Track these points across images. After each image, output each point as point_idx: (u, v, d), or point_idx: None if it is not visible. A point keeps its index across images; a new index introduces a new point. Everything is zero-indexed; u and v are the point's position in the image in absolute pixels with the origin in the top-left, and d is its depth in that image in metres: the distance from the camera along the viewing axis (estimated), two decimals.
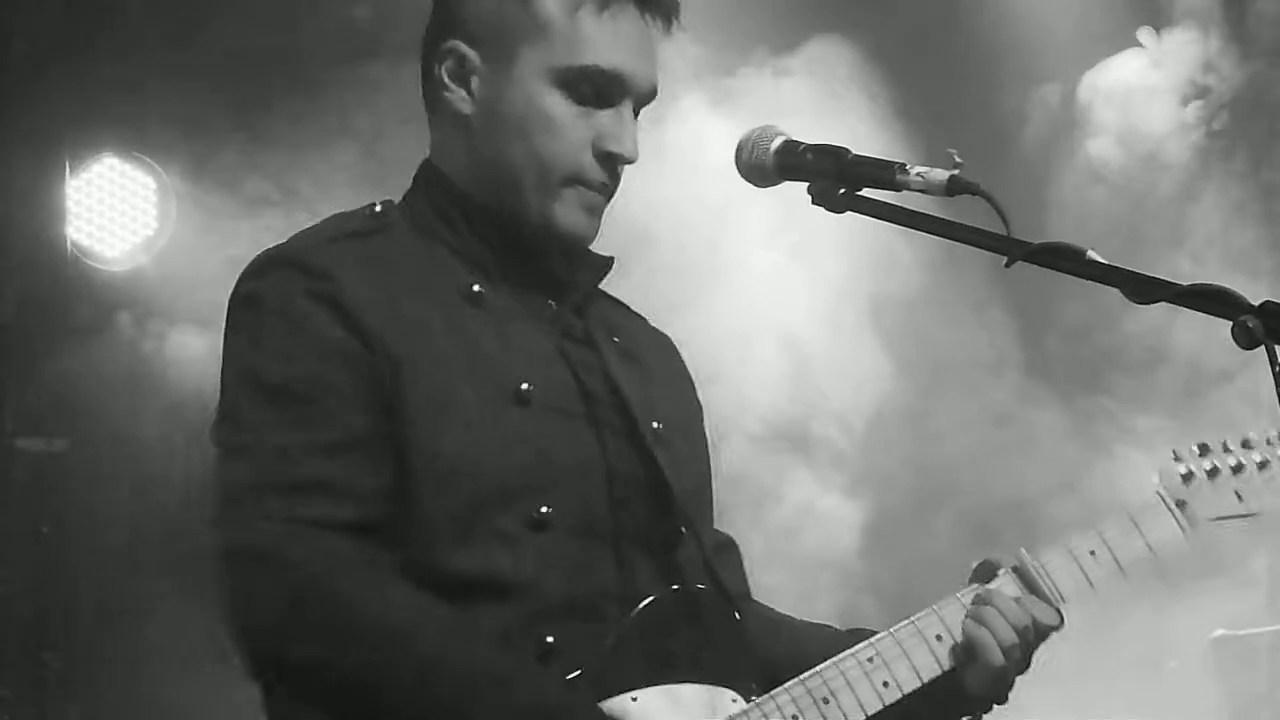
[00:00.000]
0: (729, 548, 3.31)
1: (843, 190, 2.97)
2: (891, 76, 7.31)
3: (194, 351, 6.86)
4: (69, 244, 6.91)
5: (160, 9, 6.87)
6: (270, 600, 2.82)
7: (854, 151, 2.99)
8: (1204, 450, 3.60)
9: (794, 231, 7.00)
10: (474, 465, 2.93)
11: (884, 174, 2.94)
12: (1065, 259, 2.81)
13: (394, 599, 2.84)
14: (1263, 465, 3.65)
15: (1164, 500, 3.51)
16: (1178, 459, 3.58)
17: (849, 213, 2.97)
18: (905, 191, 2.92)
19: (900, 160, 2.94)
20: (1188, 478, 3.55)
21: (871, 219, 2.96)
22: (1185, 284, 2.74)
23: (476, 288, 3.05)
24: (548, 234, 3.08)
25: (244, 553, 2.84)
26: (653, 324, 3.38)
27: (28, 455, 6.83)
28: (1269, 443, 3.67)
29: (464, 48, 3.09)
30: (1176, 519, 3.50)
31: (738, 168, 3.09)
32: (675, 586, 3.03)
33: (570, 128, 3.05)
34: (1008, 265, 2.85)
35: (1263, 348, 2.60)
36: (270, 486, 2.86)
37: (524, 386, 2.99)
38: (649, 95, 3.12)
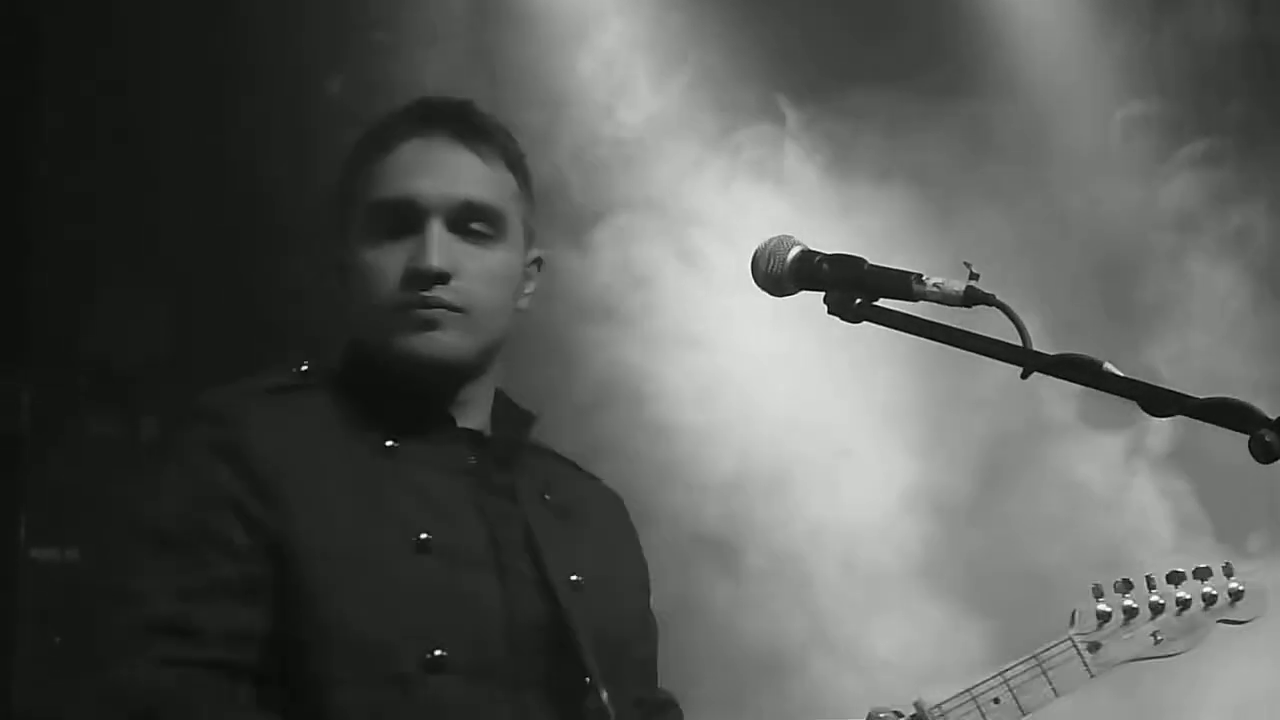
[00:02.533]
0: (667, 708, 3.38)
1: (859, 300, 2.97)
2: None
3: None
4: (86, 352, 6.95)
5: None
6: None
7: (870, 262, 3.00)
8: (1126, 586, 3.60)
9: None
10: (366, 611, 2.99)
11: (900, 284, 2.95)
12: (1081, 371, 2.81)
13: None
14: (1183, 604, 3.64)
15: (1074, 644, 3.53)
16: (1099, 596, 3.59)
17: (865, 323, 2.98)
18: (921, 302, 2.93)
19: (916, 270, 2.95)
20: (1104, 618, 3.55)
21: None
22: (1201, 398, 2.73)
23: (390, 443, 3.13)
24: (397, 364, 3.15)
25: (105, 692, 2.94)
26: (605, 483, 3.46)
27: (41, 565, 6.82)
28: (1195, 577, 3.67)
29: (336, 247, 3.28)
30: (1085, 663, 3.52)
31: (754, 277, 3.11)
32: None
33: (377, 264, 3.16)
34: (1024, 377, 2.85)
35: None
36: (130, 628, 2.96)
37: (423, 536, 3.06)
38: (461, 205, 3.19)
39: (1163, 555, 6.75)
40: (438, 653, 2.99)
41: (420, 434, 3.16)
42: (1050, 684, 3.52)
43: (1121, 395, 2.77)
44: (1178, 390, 2.73)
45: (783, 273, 3.07)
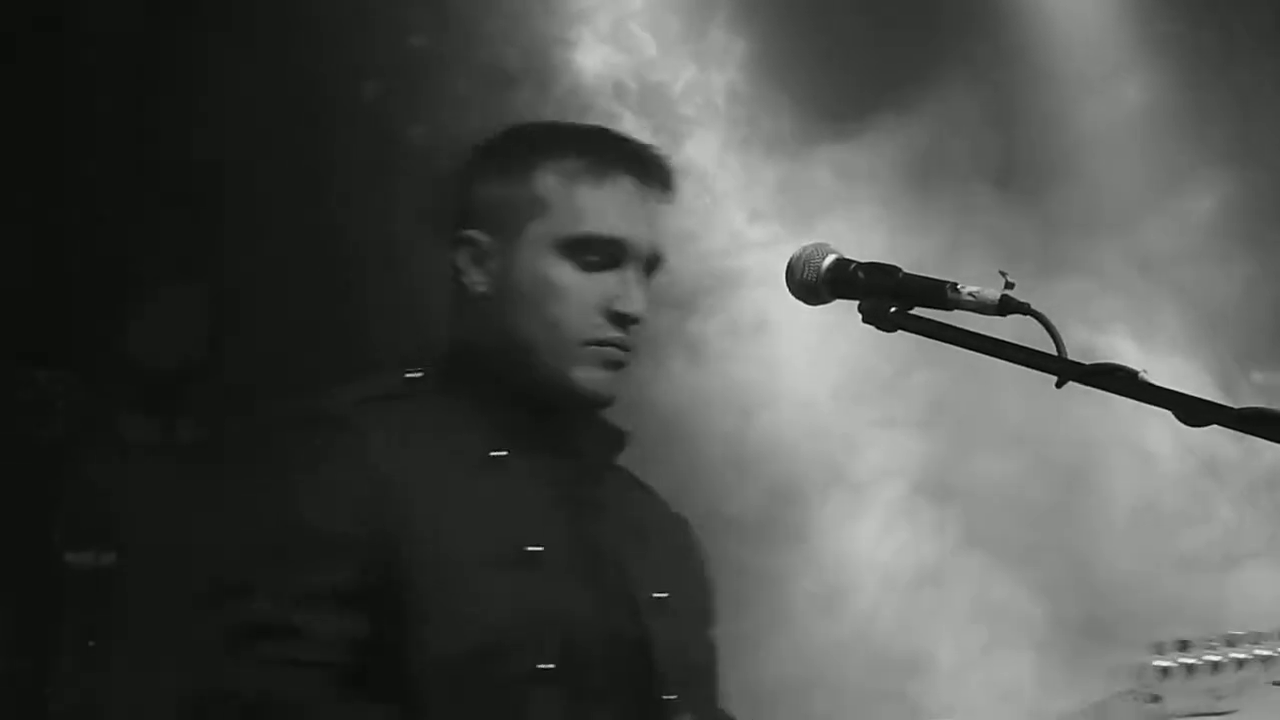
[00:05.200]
0: None
1: (894, 309, 2.97)
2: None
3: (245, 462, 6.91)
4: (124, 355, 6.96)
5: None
6: None
7: (905, 270, 2.99)
8: (1184, 645, 3.70)
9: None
10: (474, 622, 3.03)
11: (935, 293, 2.94)
12: (1117, 380, 2.80)
13: None
14: (1241, 664, 3.74)
15: (1136, 695, 3.63)
16: (1159, 651, 3.68)
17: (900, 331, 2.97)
18: (956, 310, 2.92)
19: (951, 280, 2.94)
20: (1164, 672, 3.65)
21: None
22: (1238, 408, 2.72)
23: (494, 454, 3.17)
24: (569, 396, 3.22)
25: (211, 691, 3.02)
26: (672, 508, 3.51)
27: (76, 569, 6.84)
28: (1253, 641, 3.76)
29: (476, 234, 3.27)
30: (1145, 715, 3.62)
31: (789, 286, 3.11)
32: None
33: (578, 292, 3.21)
34: (1059, 385, 2.84)
35: None
36: (238, 628, 3.01)
37: (529, 549, 3.10)
38: (653, 259, 3.29)
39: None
40: (541, 666, 3.05)
41: (522, 446, 3.21)
42: None
43: (1158, 405, 2.76)
44: (1215, 401, 2.73)
45: (818, 280, 3.07)
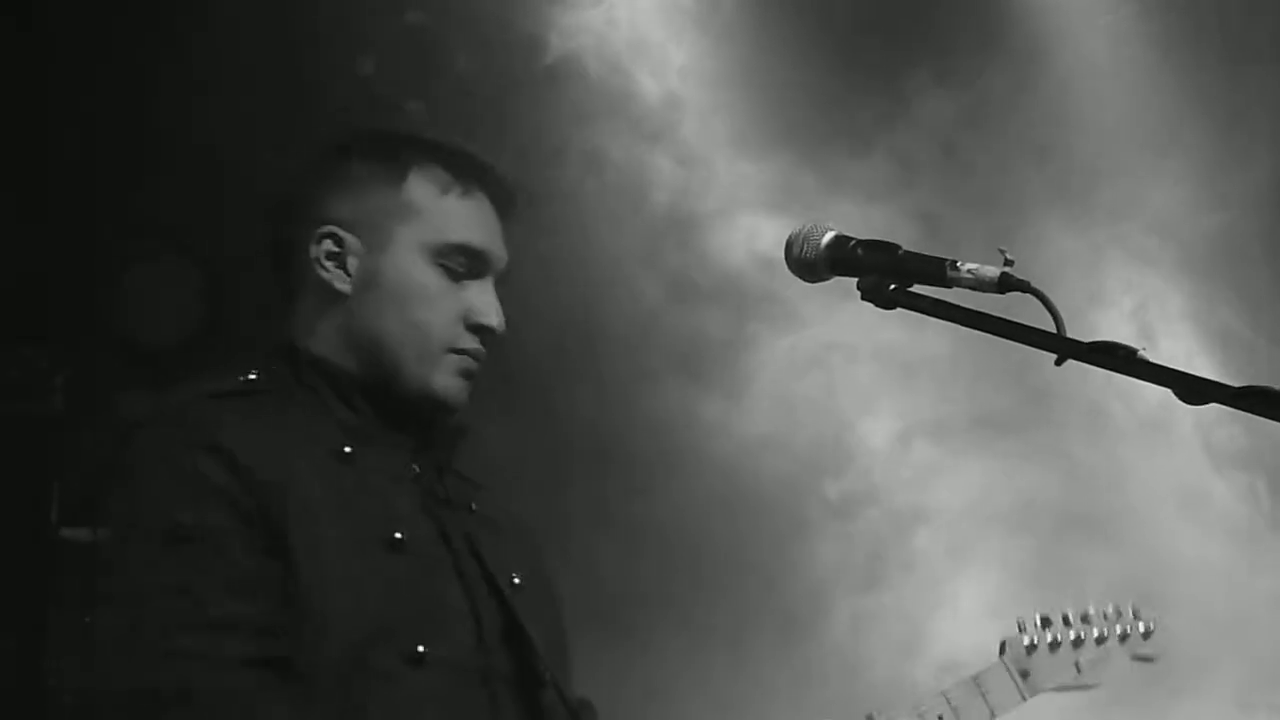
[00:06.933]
0: (587, 708, 3.47)
1: (893, 286, 2.96)
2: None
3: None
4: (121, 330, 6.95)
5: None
6: None
7: (904, 247, 2.99)
8: (1046, 622, 3.92)
9: None
10: (351, 607, 3.05)
11: (934, 270, 2.94)
12: (1116, 358, 2.79)
13: None
14: (1100, 640, 3.95)
15: (1008, 669, 3.82)
16: (1022, 629, 3.89)
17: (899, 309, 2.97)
18: (956, 288, 2.92)
19: (950, 257, 2.93)
20: (1031, 648, 3.88)
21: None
22: (1237, 386, 2.72)
23: (347, 449, 3.20)
24: (423, 399, 3.27)
25: (163, 693, 3.01)
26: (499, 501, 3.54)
27: (73, 545, 6.83)
28: (1106, 617, 3.96)
29: (340, 231, 3.30)
30: (1019, 687, 3.82)
31: (788, 264, 3.10)
32: None
33: (443, 299, 3.29)
34: (1058, 364, 2.84)
35: None
36: (180, 626, 2.99)
37: (396, 535, 3.15)
38: (503, 271, 3.38)
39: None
40: (420, 649, 3.09)
41: (366, 444, 3.25)
42: (988, 706, 3.76)
43: (1156, 383, 2.75)
44: (1214, 379, 2.72)
45: (817, 258, 3.06)
